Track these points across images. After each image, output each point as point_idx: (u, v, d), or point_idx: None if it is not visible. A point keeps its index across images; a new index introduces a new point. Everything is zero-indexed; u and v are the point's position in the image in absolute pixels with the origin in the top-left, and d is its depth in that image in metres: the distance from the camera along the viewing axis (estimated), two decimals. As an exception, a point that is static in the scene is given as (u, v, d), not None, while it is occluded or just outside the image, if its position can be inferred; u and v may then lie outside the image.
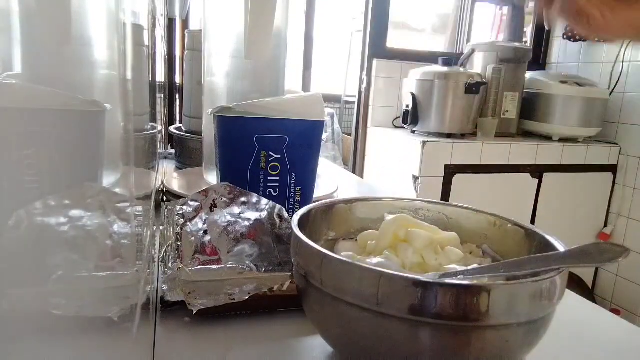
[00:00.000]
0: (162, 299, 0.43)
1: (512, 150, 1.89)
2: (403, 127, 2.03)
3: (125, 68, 0.29)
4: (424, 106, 1.90)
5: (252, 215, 0.50)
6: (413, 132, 1.98)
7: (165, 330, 0.41)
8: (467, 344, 0.30)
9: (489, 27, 2.69)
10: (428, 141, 1.78)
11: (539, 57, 2.45)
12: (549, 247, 0.37)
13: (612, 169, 2.11)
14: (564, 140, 2.03)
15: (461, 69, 1.94)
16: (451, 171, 1.82)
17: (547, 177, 1.96)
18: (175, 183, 0.76)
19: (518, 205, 1.95)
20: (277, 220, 0.50)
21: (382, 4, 2.11)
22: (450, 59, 1.93)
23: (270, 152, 0.57)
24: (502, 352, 0.31)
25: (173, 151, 1.05)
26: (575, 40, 2.24)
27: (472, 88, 1.84)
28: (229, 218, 0.49)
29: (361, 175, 2.17)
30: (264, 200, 0.51)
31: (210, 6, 0.71)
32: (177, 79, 1.35)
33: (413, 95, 1.92)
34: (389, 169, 2.02)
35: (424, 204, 0.48)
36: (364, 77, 2.18)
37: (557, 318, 0.34)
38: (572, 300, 0.52)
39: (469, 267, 0.37)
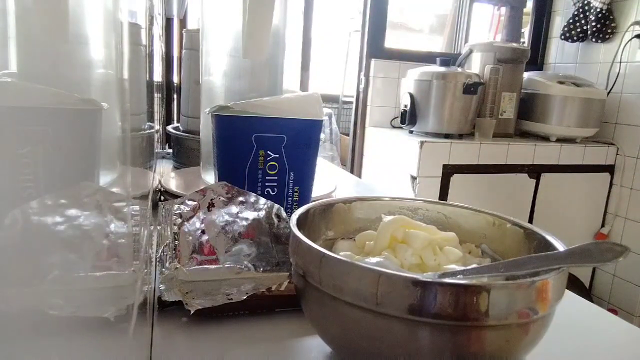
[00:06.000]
0: (159, 299, 0.43)
1: (510, 151, 1.90)
2: (401, 127, 2.03)
3: (123, 67, 0.29)
4: (422, 106, 1.90)
5: (250, 214, 0.49)
6: (411, 132, 1.98)
7: (163, 331, 0.41)
8: (466, 344, 0.30)
9: (486, 28, 2.70)
10: (426, 141, 1.78)
11: (536, 58, 2.45)
12: (549, 246, 0.37)
13: (609, 169, 2.11)
14: (561, 140, 2.03)
15: (459, 69, 1.94)
16: (449, 171, 1.82)
17: (545, 177, 1.97)
18: (173, 182, 0.76)
19: (515, 205, 1.96)
20: (275, 220, 0.50)
21: (380, 4, 2.11)
22: (448, 59, 1.93)
23: (268, 152, 0.56)
24: (502, 352, 0.31)
25: (170, 151, 1.04)
26: (573, 41, 2.24)
27: (470, 88, 1.84)
28: (226, 217, 0.48)
29: (359, 175, 2.17)
30: (262, 200, 0.50)
31: (208, 5, 0.70)
32: (175, 79, 1.35)
33: (411, 95, 1.92)
34: (387, 169, 2.02)
35: (423, 203, 0.48)
36: (362, 77, 2.17)
37: (557, 318, 0.34)
38: (571, 300, 0.52)
39: (469, 267, 0.37)
